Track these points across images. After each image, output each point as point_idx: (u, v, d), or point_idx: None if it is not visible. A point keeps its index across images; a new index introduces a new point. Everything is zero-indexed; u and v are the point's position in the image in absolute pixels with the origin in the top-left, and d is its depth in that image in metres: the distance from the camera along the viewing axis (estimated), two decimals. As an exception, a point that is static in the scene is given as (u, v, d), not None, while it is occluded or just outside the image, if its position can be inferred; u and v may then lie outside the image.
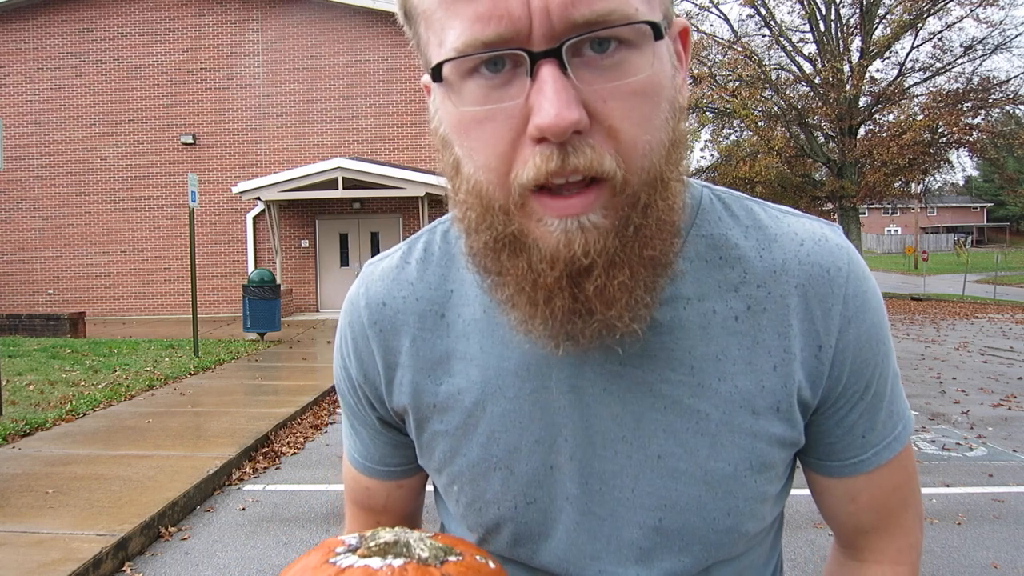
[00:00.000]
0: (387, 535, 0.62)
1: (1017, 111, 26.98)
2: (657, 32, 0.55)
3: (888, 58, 25.60)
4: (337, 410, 7.72)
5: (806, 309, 0.68)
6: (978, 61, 25.31)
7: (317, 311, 17.79)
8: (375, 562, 0.58)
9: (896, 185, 25.50)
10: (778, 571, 0.86)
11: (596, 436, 0.69)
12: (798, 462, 0.80)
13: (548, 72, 0.52)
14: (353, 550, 0.62)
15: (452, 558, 0.62)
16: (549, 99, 0.52)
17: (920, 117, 24.01)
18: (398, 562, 0.59)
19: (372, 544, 0.61)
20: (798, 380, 0.68)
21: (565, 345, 0.62)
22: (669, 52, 0.60)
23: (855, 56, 24.63)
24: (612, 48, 0.54)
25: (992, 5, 23.15)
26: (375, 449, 0.83)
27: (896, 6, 24.06)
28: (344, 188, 15.72)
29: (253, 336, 12.85)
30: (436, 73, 0.57)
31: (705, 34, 26.96)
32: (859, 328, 0.69)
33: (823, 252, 0.69)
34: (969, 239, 61.62)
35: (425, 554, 0.61)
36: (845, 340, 0.69)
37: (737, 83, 25.29)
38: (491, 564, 0.65)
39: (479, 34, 0.53)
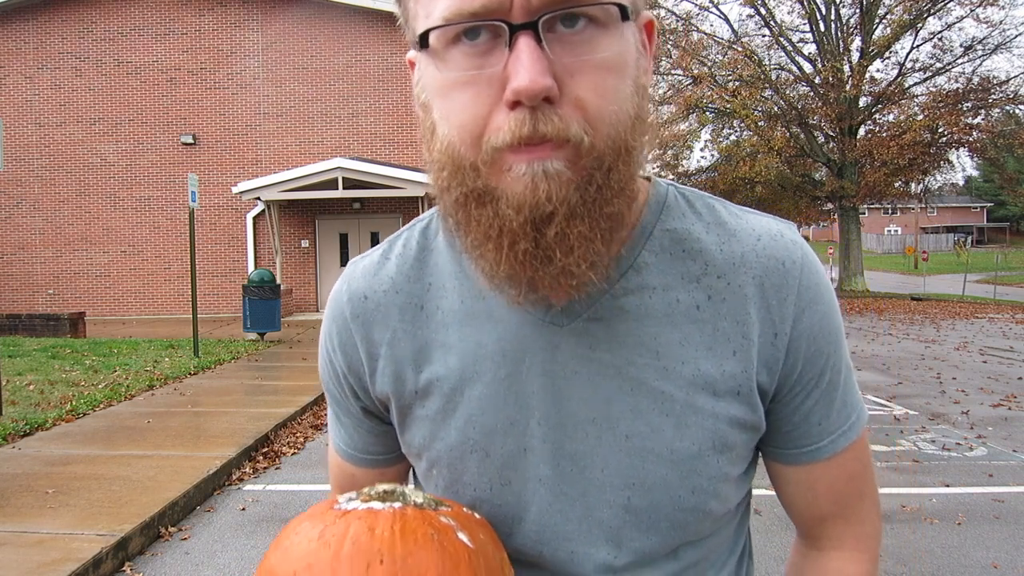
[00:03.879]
0: (385, 486, 0.69)
1: (1017, 111, 26.97)
2: (624, 13, 0.60)
3: (888, 58, 25.62)
4: (337, 410, 7.71)
5: (763, 299, 0.72)
6: (978, 61, 25.36)
7: (317, 311, 17.80)
8: (376, 504, 0.66)
9: (896, 185, 25.51)
10: (745, 556, 0.87)
11: (567, 418, 0.72)
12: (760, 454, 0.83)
13: (524, 43, 0.57)
14: (354, 499, 0.69)
15: (443, 507, 0.69)
16: (525, 66, 0.56)
17: (920, 117, 24.02)
18: (397, 504, 0.66)
19: (372, 492, 0.69)
20: (756, 365, 0.72)
21: (526, 292, 0.66)
22: (635, 37, 0.64)
23: (855, 56, 24.64)
24: (581, 25, 0.58)
25: (992, 5, 23.17)
26: (359, 438, 0.87)
27: (896, 6, 24.07)
28: (344, 188, 15.72)
29: (253, 336, 12.85)
30: (423, 40, 0.61)
31: (705, 34, 26.95)
32: (812, 317, 0.73)
33: (778, 247, 0.73)
34: (969, 239, 61.59)
35: (420, 500, 0.68)
36: (799, 328, 0.72)
37: (737, 83, 25.28)
38: (477, 516, 0.72)
39: (465, 5, 0.57)
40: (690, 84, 26.15)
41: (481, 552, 0.65)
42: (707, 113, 26.85)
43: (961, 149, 26.01)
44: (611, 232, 0.64)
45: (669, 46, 26.16)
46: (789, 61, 26.52)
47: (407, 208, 17.55)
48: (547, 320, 0.71)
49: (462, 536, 0.64)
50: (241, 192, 15.87)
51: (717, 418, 0.71)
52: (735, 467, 0.75)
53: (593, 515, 0.73)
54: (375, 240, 17.97)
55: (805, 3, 25.39)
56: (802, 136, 26.34)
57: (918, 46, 25.35)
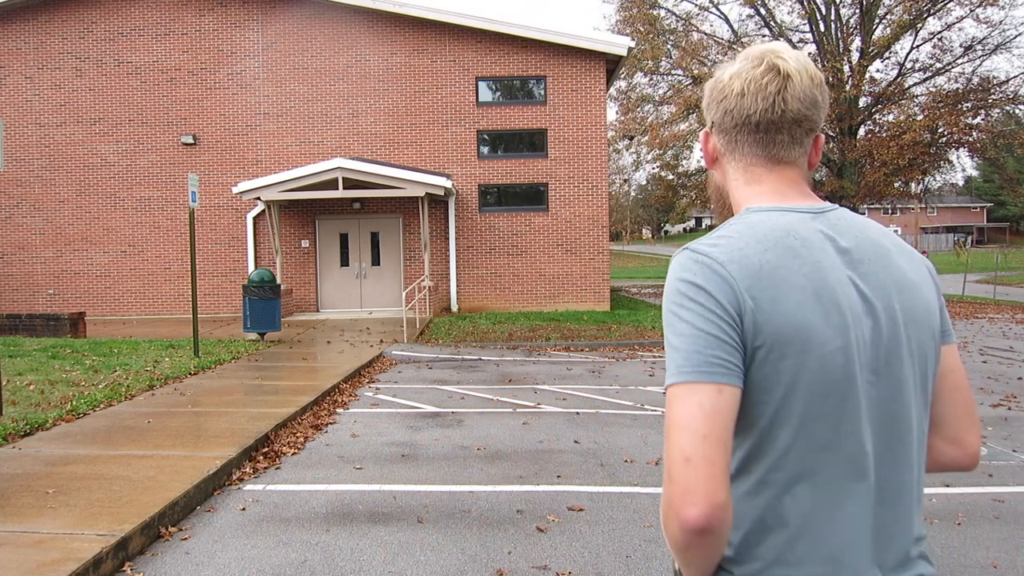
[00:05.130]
0: None
1: (1017, 111, 26.98)
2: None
3: (888, 58, 25.60)
4: (337, 410, 7.71)
5: None
6: (978, 61, 25.26)
7: (317, 311, 17.80)
8: None
9: (896, 185, 25.49)
10: (745, 532, 1.12)
11: None
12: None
13: None
14: None
15: None
16: None
17: (920, 117, 24.00)
18: None
19: None
20: None
21: None
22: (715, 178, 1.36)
23: (855, 56, 24.63)
24: None
25: (992, 5, 23.15)
26: None
27: (896, 6, 24.06)
28: (344, 188, 15.73)
29: (253, 336, 12.85)
30: None
31: (705, 34, 26.95)
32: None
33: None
34: (969, 239, 61.60)
35: None
36: None
37: (737, 83, 25.22)
38: None
39: None
40: (690, 84, 26.15)
41: None
42: (708, 113, 26.80)
43: (961, 149, 25.99)
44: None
45: (669, 46, 26.15)
46: (789, 61, 26.47)
47: (407, 208, 17.55)
48: None
49: None
50: (241, 192, 15.87)
51: None
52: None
53: None
54: (375, 240, 17.96)
55: (805, 3, 25.38)
56: (802, 136, 26.24)
57: (918, 46, 25.33)
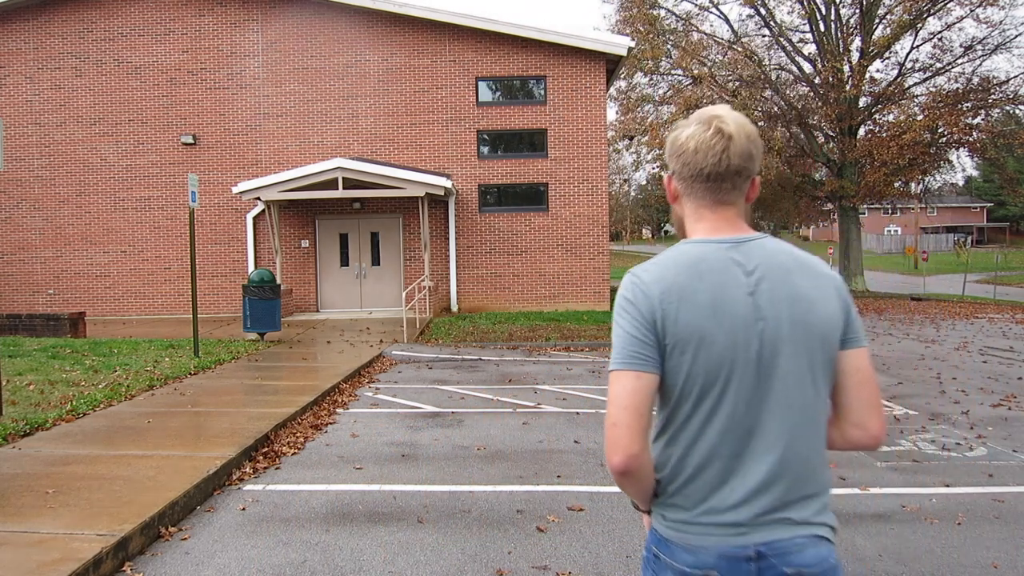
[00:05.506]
0: None
1: (1017, 111, 26.99)
2: None
3: (888, 58, 25.61)
4: (337, 410, 7.71)
5: None
6: (978, 61, 25.26)
7: (317, 311, 17.80)
8: None
9: (896, 185, 25.50)
10: (665, 473, 1.52)
11: None
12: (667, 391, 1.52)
13: None
14: None
15: None
16: None
17: (920, 117, 24.00)
18: None
19: None
20: None
21: None
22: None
23: (855, 56, 24.63)
24: None
25: (992, 5, 23.14)
26: None
27: (896, 6, 24.06)
28: (344, 188, 15.73)
29: (253, 336, 12.85)
30: None
31: (705, 34, 26.94)
32: None
33: None
34: (969, 239, 61.62)
35: None
36: None
37: (737, 83, 25.29)
38: None
39: None
40: (690, 84, 26.16)
41: None
42: (707, 113, 26.78)
43: (961, 149, 26.00)
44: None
45: (669, 46, 26.15)
46: (789, 61, 26.53)
47: (407, 208, 17.55)
48: None
49: None
50: (241, 192, 15.87)
51: None
52: None
53: None
54: (375, 240, 17.96)
55: (805, 3, 25.39)
56: (802, 136, 26.37)
57: (918, 46, 25.34)
